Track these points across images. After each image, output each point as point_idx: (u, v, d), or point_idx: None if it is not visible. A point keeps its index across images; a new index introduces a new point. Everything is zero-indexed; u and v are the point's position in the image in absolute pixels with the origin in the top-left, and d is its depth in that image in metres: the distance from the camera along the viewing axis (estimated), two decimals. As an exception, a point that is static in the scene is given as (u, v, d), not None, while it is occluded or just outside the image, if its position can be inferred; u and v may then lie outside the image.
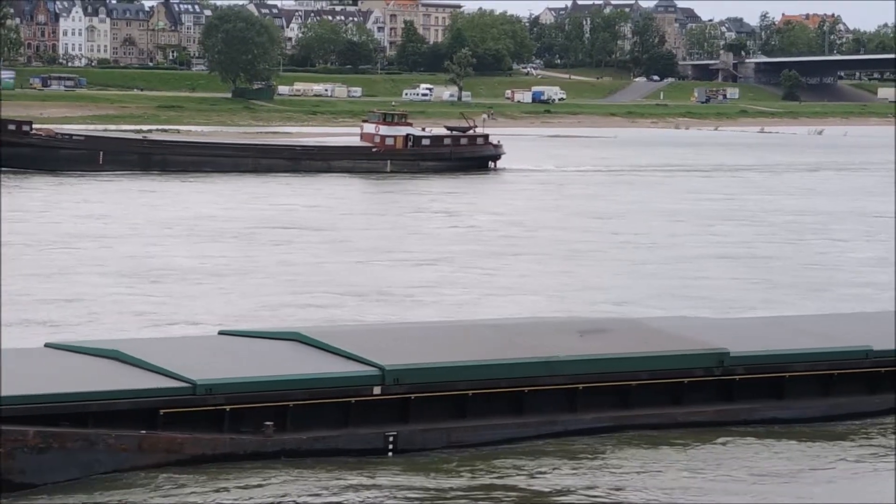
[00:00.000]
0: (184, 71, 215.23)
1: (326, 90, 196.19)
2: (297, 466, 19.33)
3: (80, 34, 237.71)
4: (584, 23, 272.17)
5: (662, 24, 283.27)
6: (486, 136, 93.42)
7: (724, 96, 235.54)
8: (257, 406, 19.63)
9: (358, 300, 35.16)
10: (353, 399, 20.13)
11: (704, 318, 28.57)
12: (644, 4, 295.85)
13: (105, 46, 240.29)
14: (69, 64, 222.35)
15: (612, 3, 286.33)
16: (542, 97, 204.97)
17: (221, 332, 23.34)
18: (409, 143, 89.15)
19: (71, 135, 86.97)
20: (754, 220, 59.22)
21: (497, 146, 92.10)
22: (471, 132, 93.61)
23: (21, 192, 66.87)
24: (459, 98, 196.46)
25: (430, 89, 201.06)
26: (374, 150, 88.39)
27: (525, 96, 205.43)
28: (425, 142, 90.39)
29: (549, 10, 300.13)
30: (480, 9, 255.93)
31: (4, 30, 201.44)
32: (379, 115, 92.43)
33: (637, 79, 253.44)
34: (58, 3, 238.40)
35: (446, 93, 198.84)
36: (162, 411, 19.08)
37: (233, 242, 48.05)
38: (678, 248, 48.31)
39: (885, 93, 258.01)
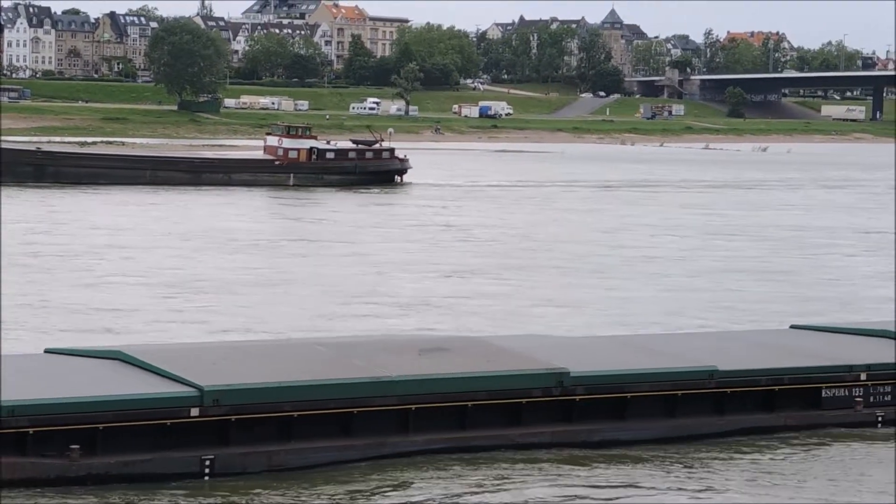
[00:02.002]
0: (129, 83, 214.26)
1: (273, 103, 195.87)
2: (103, 492, 18.70)
3: (24, 45, 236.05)
4: (532, 38, 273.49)
5: (609, 40, 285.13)
6: (391, 150, 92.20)
7: (670, 113, 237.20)
8: (62, 429, 18.85)
9: (402, 310, 35.42)
10: (168, 421, 19.45)
11: (554, 336, 27.85)
12: (591, 21, 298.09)
13: (50, 58, 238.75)
14: (13, 75, 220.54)
15: (559, 19, 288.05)
16: (490, 112, 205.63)
17: (47, 351, 22.72)
18: (313, 157, 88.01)
19: None
20: (757, 236, 59.18)
21: (403, 160, 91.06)
22: (377, 146, 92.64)
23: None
24: (407, 112, 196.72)
25: (377, 103, 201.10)
26: (276, 162, 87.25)
27: (472, 111, 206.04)
28: (329, 155, 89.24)
29: (497, 25, 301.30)
30: (428, 23, 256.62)
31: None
32: (283, 128, 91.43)
33: (584, 95, 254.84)
34: (2, 14, 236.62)
35: (394, 107, 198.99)
36: None
37: (256, 252, 48.61)
38: (696, 263, 48.27)
39: (828, 110, 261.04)
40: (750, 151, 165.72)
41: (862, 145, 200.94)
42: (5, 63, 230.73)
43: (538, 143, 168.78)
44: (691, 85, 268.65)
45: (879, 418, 23.93)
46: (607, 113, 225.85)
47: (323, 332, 31.56)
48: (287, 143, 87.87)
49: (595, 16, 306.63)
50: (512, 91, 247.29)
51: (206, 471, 19.58)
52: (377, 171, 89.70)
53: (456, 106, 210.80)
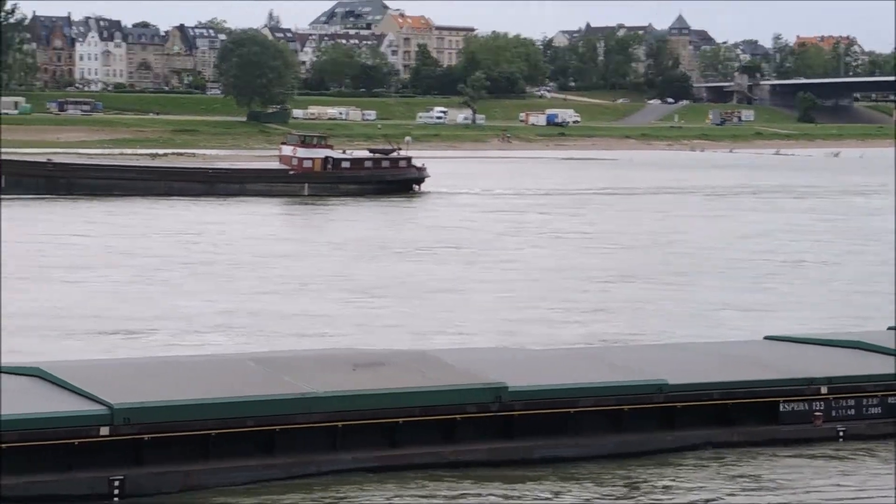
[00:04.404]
0: (199, 95, 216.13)
1: (341, 113, 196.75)
2: None
3: (96, 59, 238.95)
4: (598, 45, 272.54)
5: (677, 46, 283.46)
6: (408, 159, 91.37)
7: (739, 118, 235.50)
8: None
9: (587, 315, 35.61)
10: (76, 441, 18.78)
11: (497, 348, 27.14)
12: (658, 27, 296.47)
13: (121, 71, 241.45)
14: (85, 88, 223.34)
15: (626, 25, 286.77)
16: (557, 120, 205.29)
17: None
18: (328, 166, 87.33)
19: None
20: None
21: (420, 169, 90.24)
22: (393, 154, 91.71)
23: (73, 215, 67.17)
24: (473, 121, 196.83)
25: (444, 112, 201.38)
26: (291, 172, 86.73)
27: (539, 119, 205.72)
28: (345, 164, 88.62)
29: (563, 32, 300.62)
30: (494, 32, 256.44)
31: (21, 55, 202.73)
32: (297, 138, 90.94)
33: (651, 101, 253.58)
34: (74, 28, 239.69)
35: (460, 116, 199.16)
36: None
37: (410, 258, 49.33)
38: (853, 266, 47.66)
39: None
40: (822, 157, 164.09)
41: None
42: (77, 76, 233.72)
43: (606, 150, 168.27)
44: (761, 90, 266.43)
45: (841, 433, 22.82)
46: (675, 119, 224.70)
47: (505, 336, 31.73)
48: (302, 152, 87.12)
49: (662, 22, 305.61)
50: (579, 98, 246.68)
51: (116, 492, 18.93)
52: (394, 180, 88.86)
53: (523, 114, 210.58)
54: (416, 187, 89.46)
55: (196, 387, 20.32)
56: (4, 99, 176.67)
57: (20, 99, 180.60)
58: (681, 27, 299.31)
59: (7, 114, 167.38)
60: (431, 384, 21.18)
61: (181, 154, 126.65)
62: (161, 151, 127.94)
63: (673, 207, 79.65)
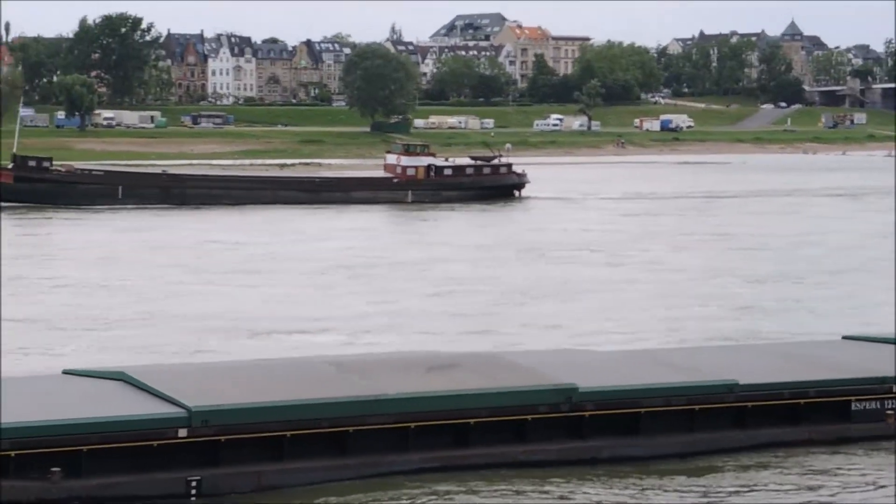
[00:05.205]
0: (325, 107, 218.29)
1: (460, 122, 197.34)
2: None
3: (227, 74, 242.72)
4: (712, 52, 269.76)
5: (789, 51, 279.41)
6: (509, 166, 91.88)
7: (852, 122, 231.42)
8: (44, 451, 18.39)
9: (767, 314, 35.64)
10: (155, 442, 18.97)
11: (567, 350, 27.04)
12: (770, 33, 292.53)
13: (251, 85, 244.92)
14: (217, 102, 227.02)
15: (739, 32, 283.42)
16: (671, 125, 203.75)
17: (66, 372, 22.33)
18: (431, 174, 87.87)
19: (90, 170, 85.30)
20: None
21: (521, 175, 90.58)
22: (494, 161, 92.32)
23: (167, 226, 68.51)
24: (589, 127, 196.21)
25: (560, 119, 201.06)
26: (395, 180, 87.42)
27: (654, 125, 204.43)
28: (447, 172, 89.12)
29: (677, 40, 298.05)
30: (609, 41, 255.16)
31: (157, 71, 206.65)
32: (401, 147, 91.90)
33: (764, 106, 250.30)
34: (206, 44, 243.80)
35: (576, 122, 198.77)
36: None
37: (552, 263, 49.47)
38: None
39: None
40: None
41: None
42: (210, 91, 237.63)
43: (719, 154, 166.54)
44: (873, 94, 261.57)
45: None
46: (788, 123, 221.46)
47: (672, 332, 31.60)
48: (405, 160, 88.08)
49: (775, 28, 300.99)
50: (692, 104, 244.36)
51: (193, 492, 19.02)
52: (494, 186, 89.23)
53: (637, 120, 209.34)
54: (516, 193, 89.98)
55: (271, 389, 20.30)
56: (141, 114, 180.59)
57: (156, 113, 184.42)
58: (793, 33, 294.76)
59: (144, 127, 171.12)
60: (501, 385, 21.09)
61: (308, 164, 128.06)
62: (289, 162, 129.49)
63: (801, 208, 78.83)
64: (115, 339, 32.33)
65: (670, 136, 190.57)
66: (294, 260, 50.58)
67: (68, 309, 36.86)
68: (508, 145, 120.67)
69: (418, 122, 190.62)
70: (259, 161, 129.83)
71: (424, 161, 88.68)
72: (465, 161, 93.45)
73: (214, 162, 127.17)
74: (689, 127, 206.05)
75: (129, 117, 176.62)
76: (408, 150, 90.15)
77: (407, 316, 35.87)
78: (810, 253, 52.51)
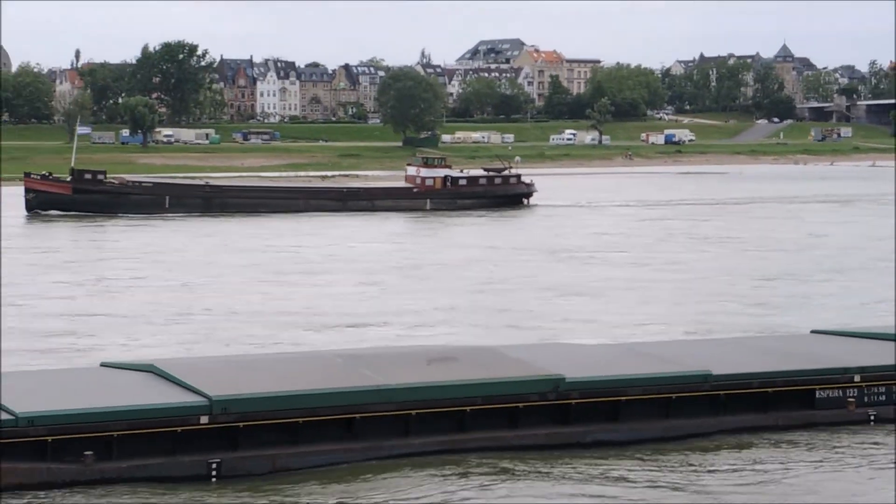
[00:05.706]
0: (361, 124, 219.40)
1: (483, 137, 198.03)
2: (111, 492, 18.41)
3: (274, 95, 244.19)
4: (711, 73, 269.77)
5: (781, 72, 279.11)
6: (518, 176, 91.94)
7: (839, 135, 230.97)
8: (78, 437, 18.52)
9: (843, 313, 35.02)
10: (179, 428, 19.03)
11: (556, 343, 26.74)
12: (764, 55, 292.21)
13: (295, 105, 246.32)
14: (265, 120, 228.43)
15: (736, 54, 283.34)
16: (674, 139, 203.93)
17: (103, 364, 22.48)
18: (447, 184, 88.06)
19: (140, 182, 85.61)
20: None
21: (529, 185, 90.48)
22: (505, 172, 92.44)
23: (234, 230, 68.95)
24: (600, 141, 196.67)
25: (573, 134, 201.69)
26: (415, 190, 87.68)
27: (658, 138, 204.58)
28: (462, 182, 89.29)
29: (679, 62, 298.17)
30: (618, 63, 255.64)
31: (211, 93, 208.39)
32: (420, 159, 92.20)
33: (759, 121, 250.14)
34: (255, 69, 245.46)
35: (588, 137, 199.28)
36: None
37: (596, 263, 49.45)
38: None
39: None
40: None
41: None
42: (258, 110, 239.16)
43: (718, 164, 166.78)
44: (858, 110, 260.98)
45: (872, 417, 22.30)
46: (780, 136, 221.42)
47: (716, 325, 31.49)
48: (424, 172, 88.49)
49: (768, 50, 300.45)
50: (694, 120, 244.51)
51: (213, 473, 19.09)
52: (505, 195, 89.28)
53: (644, 134, 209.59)
54: (524, 201, 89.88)
55: (286, 380, 20.37)
56: (197, 131, 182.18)
57: (210, 131, 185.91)
58: (785, 55, 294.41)
59: (199, 144, 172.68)
60: (495, 376, 21.01)
61: (347, 175, 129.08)
62: (330, 174, 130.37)
63: (802, 214, 78.07)
64: (204, 331, 32.60)
65: (673, 149, 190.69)
66: (348, 261, 50.71)
67: (156, 307, 36.93)
68: (518, 158, 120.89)
69: (445, 138, 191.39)
70: (303, 173, 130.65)
71: (441, 172, 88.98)
72: (479, 172, 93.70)
73: (263, 174, 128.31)
74: (690, 140, 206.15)
75: (187, 134, 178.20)
76: (426, 163, 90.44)
77: (457, 311, 35.94)
78: (814, 254, 52.13)
